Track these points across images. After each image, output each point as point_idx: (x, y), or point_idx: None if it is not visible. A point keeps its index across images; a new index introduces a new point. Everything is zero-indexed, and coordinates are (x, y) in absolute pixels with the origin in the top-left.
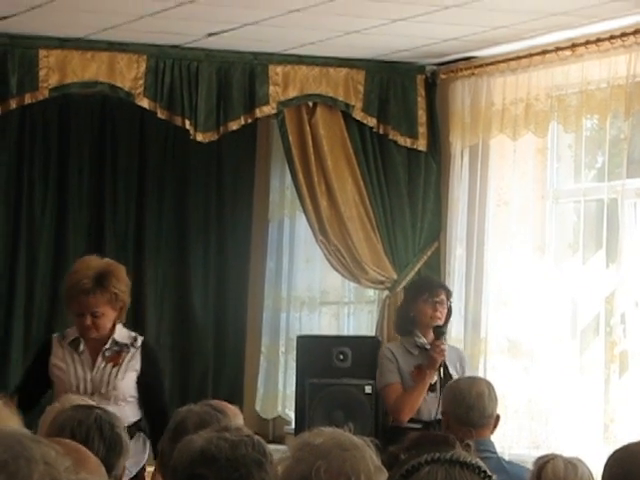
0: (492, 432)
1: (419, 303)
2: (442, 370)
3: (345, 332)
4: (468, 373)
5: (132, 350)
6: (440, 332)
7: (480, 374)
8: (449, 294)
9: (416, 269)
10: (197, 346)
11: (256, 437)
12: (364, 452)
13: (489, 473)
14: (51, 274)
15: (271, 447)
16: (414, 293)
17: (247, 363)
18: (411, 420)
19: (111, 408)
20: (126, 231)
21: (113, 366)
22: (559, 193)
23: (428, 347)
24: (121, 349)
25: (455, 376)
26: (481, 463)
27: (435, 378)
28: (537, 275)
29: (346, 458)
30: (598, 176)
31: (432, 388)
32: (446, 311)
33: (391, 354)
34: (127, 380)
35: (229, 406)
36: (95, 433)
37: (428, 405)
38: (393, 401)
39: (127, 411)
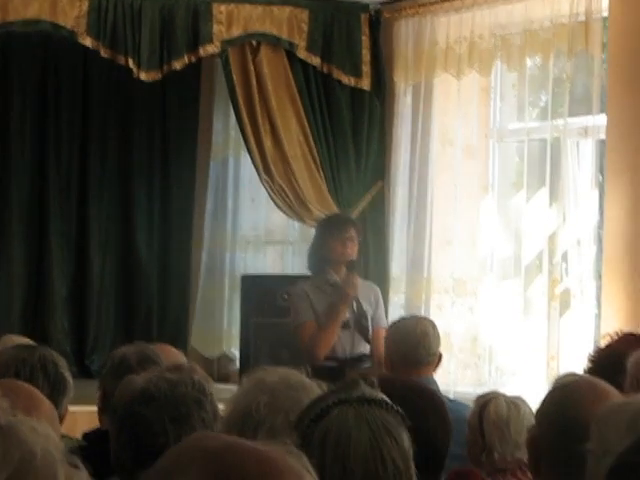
0: (435, 370)
1: (329, 241)
2: (355, 305)
3: (290, 271)
4: (382, 308)
5: None
6: (352, 266)
7: (422, 313)
8: (359, 230)
9: (360, 208)
10: (142, 285)
11: (197, 377)
12: (312, 394)
13: (396, 407)
14: None
15: (216, 386)
16: (323, 231)
17: (192, 303)
18: (325, 358)
19: None
20: (70, 171)
21: None
22: (503, 132)
23: (340, 284)
24: None
25: (369, 311)
26: (387, 398)
27: (348, 315)
28: (481, 213)
29: (290, 397)
30: (541, 115)
31: (345, 325)
32: (357, 247)
33: (303, 292)
34: None
35: (171, 348)
36: (39, 372)
37: (342, 342)
38: (308, 339)
39: None
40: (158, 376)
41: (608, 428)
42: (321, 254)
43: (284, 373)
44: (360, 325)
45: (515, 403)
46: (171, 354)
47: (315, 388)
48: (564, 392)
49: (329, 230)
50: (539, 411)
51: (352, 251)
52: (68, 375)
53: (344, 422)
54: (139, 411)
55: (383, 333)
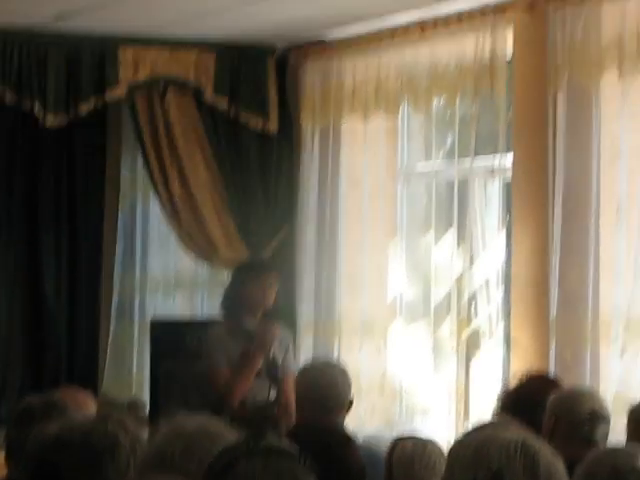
0: (345, 416)
1: (248, 286)
2: (271, 354)
3: (199, 315)
4: (291, 353)
5: None
6: (271, 315)
7: (334, 355)
8: (277, 277)
9: (269, 251)
10: (50, 333)
11: (111, 426)
12: (229, 442)
13: (305, 458)
14: None
15: None
16: (242, 276)
17: (101, 348)
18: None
19: None
20: None
21: None
22: (410, 173)
23: (254, 333)
24: None
25: (279, 358)
26: (294, 449)
27: (260, 363)
28: (390, 254)
29: (206, 445)
30: (448, 156)
31: (258, 374)
32: (274, 294)
33: (217, 337)
34: None
35: (80, 392)
36: None
37: (253, 390)
38: (222, 385)
39: None
40: (71, 425)
41: (455, 462)
42: (238, 299)
43: (201, 421)
44: (271, 373)
45: (422, 443)
46: (79, 398)
47: (234, 438)
48: (474, 437)
49: (249, 275)
50: (450, 455)
51: (271, 298)
52: None
53: (252, 475)
54: (52, 460)
55: (291, 379)
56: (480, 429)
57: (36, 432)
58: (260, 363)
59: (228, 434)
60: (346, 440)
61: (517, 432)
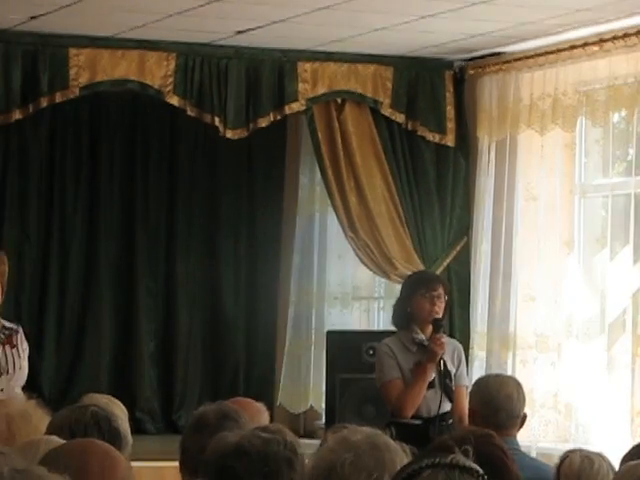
0: (518, 431)
1: (417, 298)
2: (442, 364)
3: (375, 327)
4: (464, 365)
5: (20, 333)
6: (439, 325)
7: (508, 369)
8: (447, 288)
9: (445, 264)
10: (228, 342)
11: (289, 438)
12: (395, 456)
13: (486, 477)
14: (83, 271)
15: (302, 441)
16: (411, 288)
17: (278, 359)
18: (411, 416)
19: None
20: (157, 228)
21: (11, 348)
22: (587, 188)
23: (426, 343)
24: (10, 332)
25: (452, 370)
26: (478, 467)
27: (433, 375)
28: (565, 270)
29: (374, 456)
30: (626, 170)
31: (431, 384)
32: (444, 305)
33: (389, 350)
34: (26, 362)
35: (254, 403)
36: (93, 429)
37: (427, 401)
38: (395, 397)
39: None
40: (252, 433)
41: None
42: (408, 311)
43: (368, 433)
44: (445, 385)
45: (590, 457)
46: (252, 408)
47: (399, 450)
48: None
49: (417, 287)
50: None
51: (440, 309)
52: (125, 428)
53: None
54: (232, 465)
55: (464, 391)
56: None
57: (216, 440)
58: (431, 375)
59: (395, 446)
60: (506, 456)
61: None
